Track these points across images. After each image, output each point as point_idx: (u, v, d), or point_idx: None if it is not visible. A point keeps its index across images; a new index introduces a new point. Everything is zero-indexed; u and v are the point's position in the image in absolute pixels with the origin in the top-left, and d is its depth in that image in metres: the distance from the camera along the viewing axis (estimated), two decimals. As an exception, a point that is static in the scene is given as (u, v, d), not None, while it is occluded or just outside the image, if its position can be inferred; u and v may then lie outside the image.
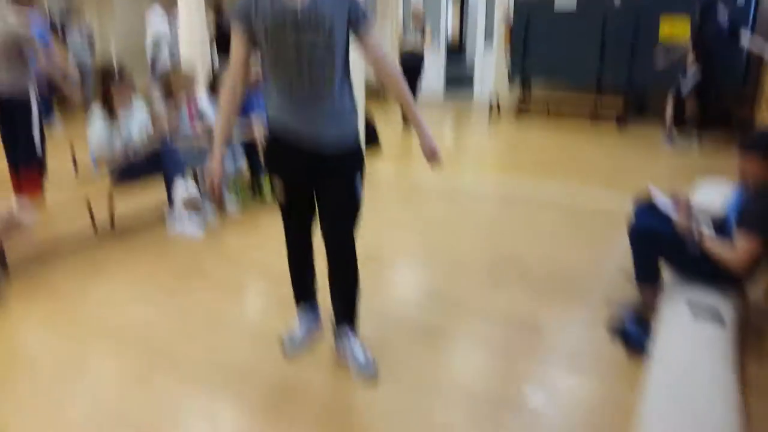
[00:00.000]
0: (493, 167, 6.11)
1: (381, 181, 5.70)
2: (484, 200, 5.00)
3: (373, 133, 6.59)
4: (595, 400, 2.31)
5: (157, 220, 4.33)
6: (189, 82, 4.41)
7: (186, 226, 4.08)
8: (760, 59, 7.10)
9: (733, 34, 6.81)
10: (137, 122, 4.09)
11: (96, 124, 3.95)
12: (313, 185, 2.32)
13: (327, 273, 2.45)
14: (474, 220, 4.46)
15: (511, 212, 4.60)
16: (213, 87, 4.74)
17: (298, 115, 2.18)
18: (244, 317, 3.04)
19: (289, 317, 2.92)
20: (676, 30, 7.64)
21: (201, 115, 4.52)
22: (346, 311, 2.50)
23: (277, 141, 2.27)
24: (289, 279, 2.61)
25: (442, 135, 8.17)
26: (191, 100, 4.45)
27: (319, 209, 2.37)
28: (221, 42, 7.69)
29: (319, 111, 2.17)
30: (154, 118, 4.16)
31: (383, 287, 3.36)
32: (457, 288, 3.28)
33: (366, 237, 4.06)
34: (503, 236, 4.06)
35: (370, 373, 2.43)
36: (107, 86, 3.95)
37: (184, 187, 4.07)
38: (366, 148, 6.38)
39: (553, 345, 2.69)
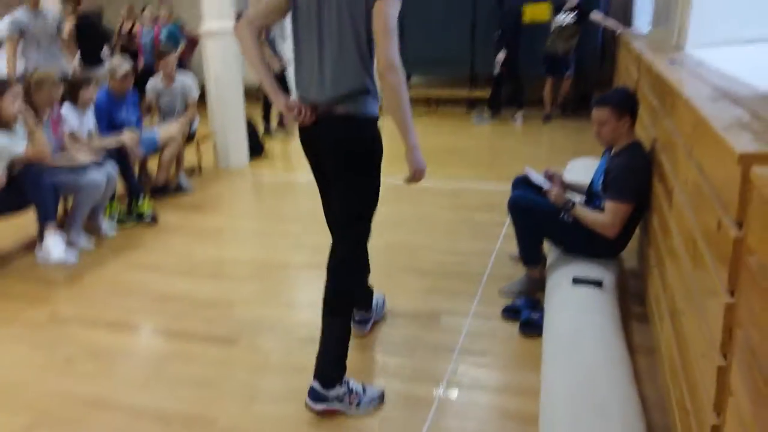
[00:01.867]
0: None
1: (271, 186, 5.57)
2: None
3: (256, 139, 6.40)
4: (501, 387, 2.37)
5: (26, 247, 3.96)
6: (53, 86, 3.80)
7: (57, 252, 3.70)
8: (614, 40, 7.65)
9: (583, 15, 7.26)
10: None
11: None
12: None
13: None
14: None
15: (399, 206, 4.65)
16: (72, 93, 4.18)
17: None
18: (132, 354, 2.83)
19: (174, 340, 2.77)
20: (537, 15, 8.07)
21: (63, 122, 4.07)
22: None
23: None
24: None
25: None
26: (54, 106, 3.94)
27: None
28: (83, 40, 6.90)
29: None
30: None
31: (278, 295, 3.27)
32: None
33: (259, 243, 4.00)
34: (393, 231, 4.08)
35: None
36: None
37: (59, 244, 3.70)
38: (251, 156, 6.19)
39: (454, 337, 2.72)
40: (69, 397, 2.40)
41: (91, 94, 4.26)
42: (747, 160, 1.12)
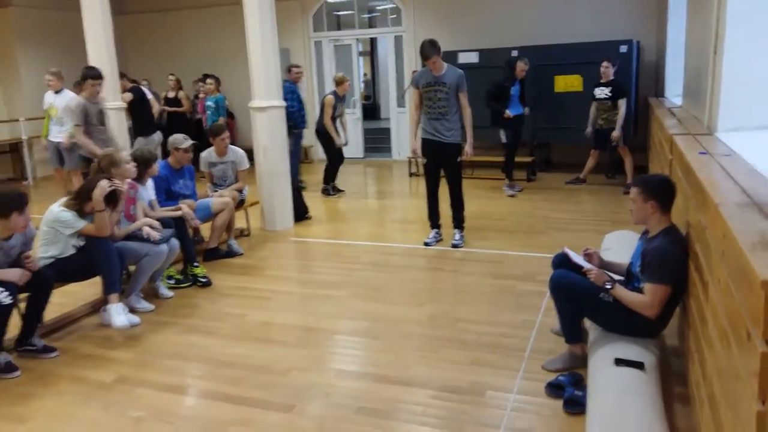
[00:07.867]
0: (417, 226, 6.34)
1: (314, 249, 5.81)
2: (414, 262, 5.20)
3: (301, 202, 6.70)
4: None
5: (92, 305, 4.24)
6: (128, 163, 4.17)
7: (120, 320, 3.92)
8: (646, 108, 7.85)
9: (618, 93, 7.31)
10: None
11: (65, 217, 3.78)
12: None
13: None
14: (406, 284, 4.64)
15: (441, 274, 4.82)
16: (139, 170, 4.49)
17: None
18: (197, 418, 3.02)
19: (234, 406, 2.95)
20: (569, 85, 8.35)
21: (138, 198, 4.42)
22: (459, 220, 5.55)
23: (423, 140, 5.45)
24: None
25: (366, 194, 8.41)
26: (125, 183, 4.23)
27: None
28: (136, 111, 7.32)
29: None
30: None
31: (327, 362, 3.44)
32: (399, 359, 3.41)
33: (305, 309, 4.20)
34: (435, 302, 4.25)
35: (460, 245, 5.44)
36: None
37: (121, 313, 3.89)
38: (296, 220, 6.49)
39: (499, 413, 2.84)
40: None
41: (155, 170, 4.62)
42: (771, 287, 1.29)
